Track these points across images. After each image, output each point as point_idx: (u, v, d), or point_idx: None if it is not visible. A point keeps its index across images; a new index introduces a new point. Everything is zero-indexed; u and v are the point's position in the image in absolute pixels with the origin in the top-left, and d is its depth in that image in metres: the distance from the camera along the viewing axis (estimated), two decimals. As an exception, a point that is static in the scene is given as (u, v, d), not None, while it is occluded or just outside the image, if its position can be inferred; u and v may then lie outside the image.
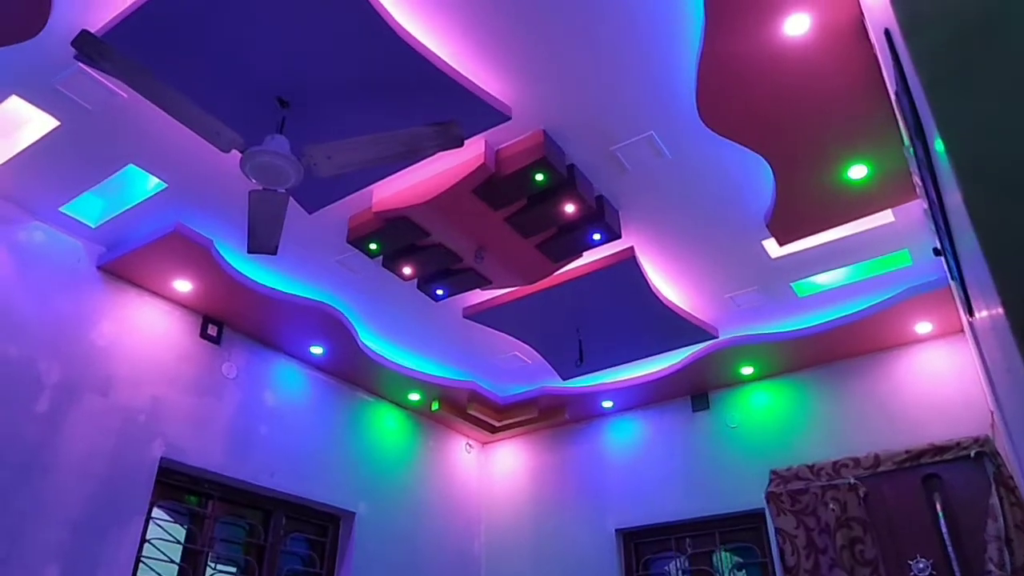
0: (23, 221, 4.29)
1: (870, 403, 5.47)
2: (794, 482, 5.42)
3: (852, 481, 5.17)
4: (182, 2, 3.04)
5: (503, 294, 5.26)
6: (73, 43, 2.79)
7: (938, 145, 1.54)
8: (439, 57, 3.37)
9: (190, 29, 3.17)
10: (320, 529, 5.71)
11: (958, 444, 4.90)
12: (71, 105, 3.60)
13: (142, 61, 3.23)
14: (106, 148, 3.89)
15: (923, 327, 5.25)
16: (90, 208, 4.43)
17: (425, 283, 4.87)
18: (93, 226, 4.46)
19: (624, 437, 6.62)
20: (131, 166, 4.02)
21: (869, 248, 4.71)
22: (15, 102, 3.61)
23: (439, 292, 4.92)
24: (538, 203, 4.08)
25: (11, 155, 3.92)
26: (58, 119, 3.69)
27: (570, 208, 4.08)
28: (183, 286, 4.79)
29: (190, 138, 3.75)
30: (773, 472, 5.53)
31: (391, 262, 4.60)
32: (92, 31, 3.10)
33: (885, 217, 4.41)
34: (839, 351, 5.60)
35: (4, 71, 3.41)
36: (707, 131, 3.66)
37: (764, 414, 5.94)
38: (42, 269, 4.32)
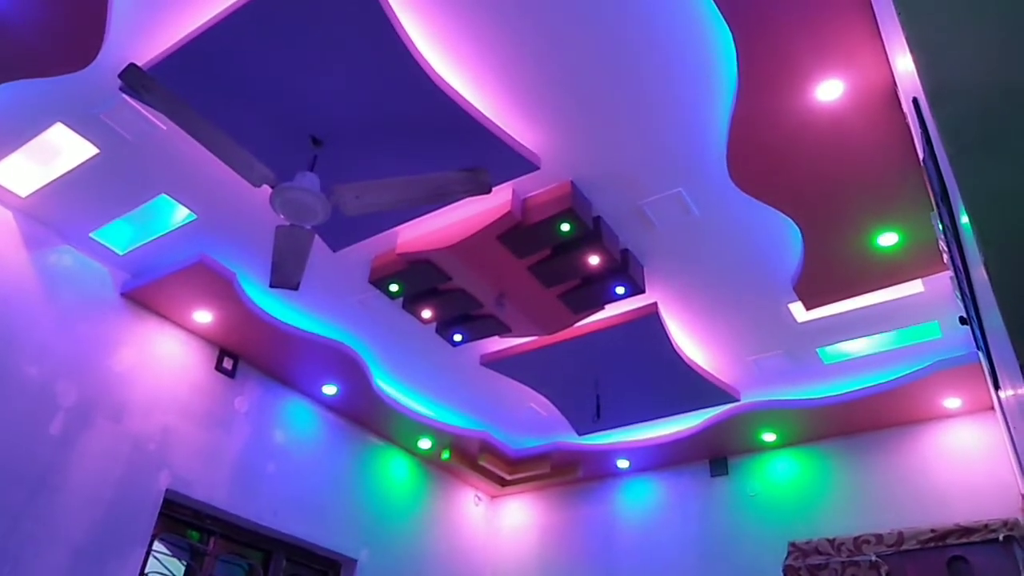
0: (54, 244, 4.36)
1: (895, 478, 5.28)
2: (813, 556, 5.19)
3: (874, 558, 4.94)
4: (226, 41, 3.12)
5: (522, 343, 5.21)
6: (120, 75, 2.88)
7: (963, 217, 1.50)
8: (471, 104, 3.42)
9: (231, 67, 3.25)
10: (320, 575, 5.56)
11: (986, 526, 4.68)
12: (112, 135, 3.70)
13: (183, 95, 3.31)
14: (141, 177, 3.97)
15: (952, 402, 5.09)
16: (119, 235, 4.50)
17: (444, 327, 4.84)
18: (121, 253, 4.52)
19: (638, 499, 6.43)
20: (163, 196, 4.10)
21: (898, 318, 4.62)
22: (60, 129, 3.71)
23: (457, 337, 4.89)
24: (562, 253, 4.07)
25: (50, 180, 4.01)
26: (98, 147, 3.79)
27: (594, 260, 4.06)
28: (203, 317, 4.81)
29: (222, 172, 3.82)
30: (792, 544, 5.31)
31: (411, 304, 4.59)
32: (138, 65, 3.19)
33: (915, 287, 4.33)
34: (864, 422, 5.44)
35: (53, 99, 3.53)
36: (736, 191, 3.65)
37: (785, 483, 5.75)
38: (69, 292, 4.36)
